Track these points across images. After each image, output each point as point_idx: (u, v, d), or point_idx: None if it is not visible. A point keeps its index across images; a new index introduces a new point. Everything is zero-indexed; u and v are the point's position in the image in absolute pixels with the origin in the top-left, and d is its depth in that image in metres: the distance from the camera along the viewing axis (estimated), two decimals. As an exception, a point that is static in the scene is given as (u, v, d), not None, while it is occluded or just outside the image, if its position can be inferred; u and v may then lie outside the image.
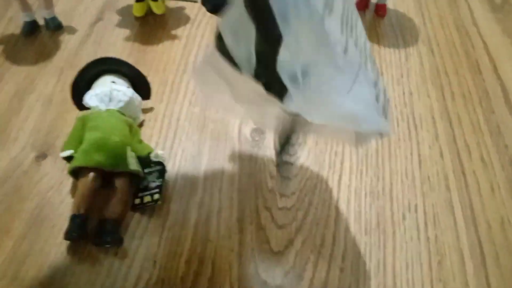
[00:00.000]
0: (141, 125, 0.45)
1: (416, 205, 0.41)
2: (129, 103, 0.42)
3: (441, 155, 0.44)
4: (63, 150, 0.39)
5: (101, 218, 0.36)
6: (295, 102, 0.29)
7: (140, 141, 0.42)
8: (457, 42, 0.57)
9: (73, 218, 0.35)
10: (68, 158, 0.38)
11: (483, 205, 0.41)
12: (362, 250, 0.37)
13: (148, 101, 0.47)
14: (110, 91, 0.41)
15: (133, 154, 0.39)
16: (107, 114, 0.40)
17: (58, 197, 0.39)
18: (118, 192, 0.37)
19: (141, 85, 0.45)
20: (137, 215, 0.39)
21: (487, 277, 0.36)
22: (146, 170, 0.40)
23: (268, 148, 0.44)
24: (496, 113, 0.48)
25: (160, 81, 0.49)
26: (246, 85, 0.31)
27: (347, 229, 0.39)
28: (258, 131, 0.46)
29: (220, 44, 0.30)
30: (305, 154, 0.44)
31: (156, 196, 0.39)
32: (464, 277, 0.36)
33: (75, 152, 0.38)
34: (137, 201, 0.39)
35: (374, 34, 0.58)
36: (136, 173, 0.39)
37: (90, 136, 0.38)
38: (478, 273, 0.36)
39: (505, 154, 0.45)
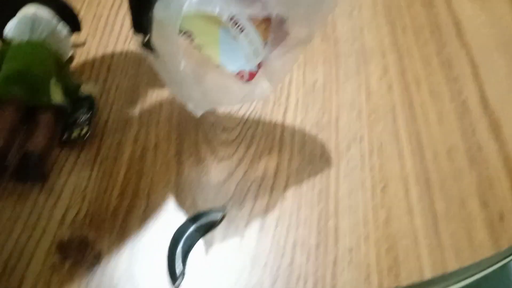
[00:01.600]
0: (71, 60, 0.42)
1: (361, 136, 0.39)
2: (53, 34, 0.38)
3: (390, 88, 0.43)
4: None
5: (23, 153, 0.34)
6: None
7: (68, 75, 0.39)
8: (411, -21, 0.55)
9: (-10, 152, 0.33)
10: (-16, 90, 0.35)
11: (430, 134, 0.40)
12: (305, 179, 0.36)
13: (79, 36, 0.43)
14: (31, 20, 0.37)
15: (58, 87, 0.36)
16: (28, 44, 0.37)
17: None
18: (41, 126, 0.34)
19: (68, 16, 0.41)
20: (65, 151, 0.36)
21: (432, 203, 0.36)
22: (74, 105, 0.37)
23: (211, 83, 0.42)
24: (447, 47, 0.47)
25: (94, 15, 0.46)
26: None
27: (290, 159, 0.37)
28: (201, 66, 0.43)
29: None
30: (250, 89, 0.42)
31: (85, 130, 0.36)
32: (408, 203, 0.35)
33: (-8, 83, 0.35)
34: (65, 136, 0.36)
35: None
36: (61, 107, 0.36)
37: (8, 68, 0.35)
38: (423, 200, 0.36)
39: (454, 86, 0.44)
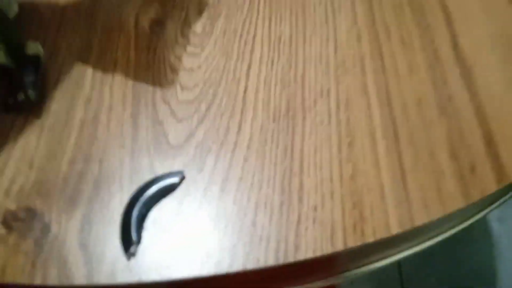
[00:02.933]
0: (17, 17, 0.39)
1: (328, 90, 0.37)
2: (-7, -13, 0.35)
3: (359, 39, 0.41)
4: None
5: (-39, 119, 0.31)
6: None
7: (13, 33, 0.36)
8: None
9: None
10: None
11: (400, 85, 0.38)
12: (269, 138, 0.34)
13: (26, -8, 0.40)
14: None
15: (1, 45, 0.33)
16: (-37, -1, 0.33)
17: None
18: (-20, 88, 0.32)
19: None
20: (11, 116, 0.33)
21: (400, 156, 0.34)
22: (19, 66, 0.35)
23: (168, 39, 0.39)
24: (420, -6, 0.45)
25: (41, -31, 0.42)
26: None
27: (253, 118, 0.35)
28: (158, 22, 0.40)
29: None
30: (211, 44, 0.39)
31: (30, 92, 0.33)
32: (375, 157, 0.34)
33: None
34: (10, 100, 0.34)
35: None
36: (4, 67, 0.33)
37: None
38: (391, 153, 0.34)
39: (427, 34, 0.42)
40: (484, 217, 1.07)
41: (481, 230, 1.05)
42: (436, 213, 0.32)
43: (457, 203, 0.32)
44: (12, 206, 0.30)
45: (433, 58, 0.40)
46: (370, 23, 0.42)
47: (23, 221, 0.29)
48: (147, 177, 0.32)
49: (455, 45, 0.41)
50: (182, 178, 0.32)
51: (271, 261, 0.29)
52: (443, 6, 0.43)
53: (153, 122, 0.34)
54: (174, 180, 0.31)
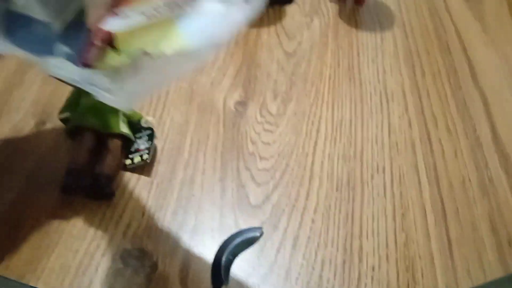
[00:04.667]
0: (133, 97, 0.49)
1: (384, 167, 0.44)
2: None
3: (410, 125, 0.48)
4: (61, 112, 0.42)
5: (95, 173, 0.40)
6: None
7: (134, 113, 0.45)
8: (430, 26, 0.61)
9: (69, 172, 0.39)
10: (65, 121, 0.42)
11: (446, 167, 0.44)
12: (332, 204, 0.41)
13: (140, 76, 0.50)
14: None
15: (124, 119, 0.43)
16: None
17: (55, 156, 0.43)
18: (110, 151, 0.41)
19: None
20: (128, 174, 0.42)
21: (447, 229, 0.40)
22: (136, 135, 0.44)
23: (249, 118, 0.48)
24: (463, 88, 0.52)
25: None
26: None
27: (320, 186, 0.42)
28: (241, 103, 0.49)
29: None
30: (284, 123, 0.48)
31: (145, 156, 0.42)
32: (425, 228, 0.40)
33: (72, 115, 0.42)
34: (128, 162, 0.42)
35: (353, 21, 0.62)
36: (127, 136, 0.42)
37: (87, 101, 0.42)
38: (439, 225, 0.40)
39: (469, 123, 0.48)
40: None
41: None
42: (478, 280, 0.37)
43: (496, 272, 0.37)
44: (128, 246, 0.37)
45: (475, 144, 0.46)
46: (419, 112, 0.49)
47: (136, 259, 0.37)
48: (233, 230, 0.39)
49: (494, 133, 0.47)
50: (262, 233, 0.39)
51: (335, 309, 0.35)
52: (483, 99, 0.50)
53: (237, 185, 0.42)
54: (255, 233, 0.38)
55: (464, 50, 0.57)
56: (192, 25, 0.30)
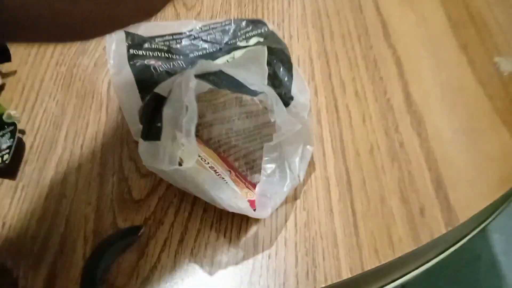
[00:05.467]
0: (1, 89, 0.43)
1: (285, 142, 0.40)
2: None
3: (316, 93, 0.44)
4: None
5: None
6: None
7: (-8, 103, 0.39)
8: (342, -15, 0.57)
9: None
10: None
11: (353, 135, 0.40)
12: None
13: (10, 64, 0.44)
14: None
15: (-21, 116, 0.37)
16: None
17: None
18: (-41, 154, 0.35)
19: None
20: (-13, 179, 0.36)
21: (352, 203, 0.36)
22: (-1, 133, 0.38)
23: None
24: (374, 49, 0.48)
25: (27, 43, 0.47)
26: None
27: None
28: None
29: None
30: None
31: (6, 157, 0.36)
32: (329, 204, 0.36)
33: None
34: (-13, 164, 0.36)
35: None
36: (-18, 134, 0.36)
37: None
38: (343, 200, 0.36)
39: (380, 86, 0.45)
40: (491, 251, 1.05)
41: (488, 265, 1.03)
42: (386, 257, 0.33)
43: (406, 246, 0.34)
44: (-17, 263, 0.32)
45: (385, 108, 0.42)
46: (326, 78, 0.45)
47: (-8, 278, 0.31)
48: (109, 232, 0.34)
49: (407, 95, 0.43)
50: (142, 233, 0.34)
51: (223, 310, 0.30)
52: (395, 58, 0.47)
53: (118, 179, 0.37)
54: (135, 233, 0.33)
55: (377, 8, 0.53)
56: None
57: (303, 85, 0.38)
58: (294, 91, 0.37)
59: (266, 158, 0.34)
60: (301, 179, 0.35)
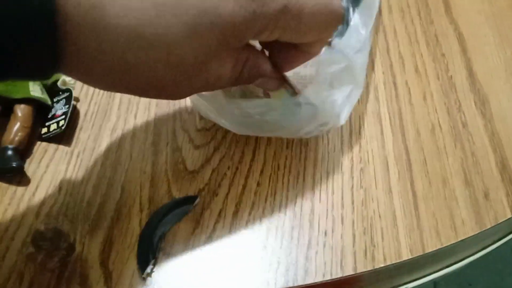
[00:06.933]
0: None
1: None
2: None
3: (373, 68, 0.42)
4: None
5: (0, 146, 0.34)
6: None
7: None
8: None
9: (-33, 145, 0.33)
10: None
11: (413, 113, 0.39)
12: (281, 164, 0.36)
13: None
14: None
15: (36, 82, 0.37)
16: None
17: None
18: (18, 119, 0.35)
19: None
20: (43, 145, 0.36)
21: (413, 184, 0.34)
22: (54, 99, 0.38)
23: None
24: (435, 23, 0.46)
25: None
26: None
27: (267, 144, 0.37)
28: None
29: None
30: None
31: (62, 123, 0.36)
32: (388, 184, 0.34)
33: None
34: (44, 130, 0.37)
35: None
36: (39, 100, 0.36)
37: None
38: (403, 180, 0.35)
39: (441, 62, 0.42)
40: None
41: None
42: (448, 240, 0.32)
43: (469, 230, 0.32)
44: (41, 227, 0.32)
45: (447, 86, 0.40)
46: (384, 53, 0.43)
47: (50, 241, 0.31)
48: (164, 201, 0.34)
49: (470, 72, 0.41)
50: (197, 203, 0.33)
51: (280, 284, 0.30)
52: (457, 34, 0.44)
53: (172, 149, 0.36)
54: (190, 203, 0.33)
55: (437, -20, 0.50)
56: None
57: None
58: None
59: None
60: (342, 121, 0.34)
